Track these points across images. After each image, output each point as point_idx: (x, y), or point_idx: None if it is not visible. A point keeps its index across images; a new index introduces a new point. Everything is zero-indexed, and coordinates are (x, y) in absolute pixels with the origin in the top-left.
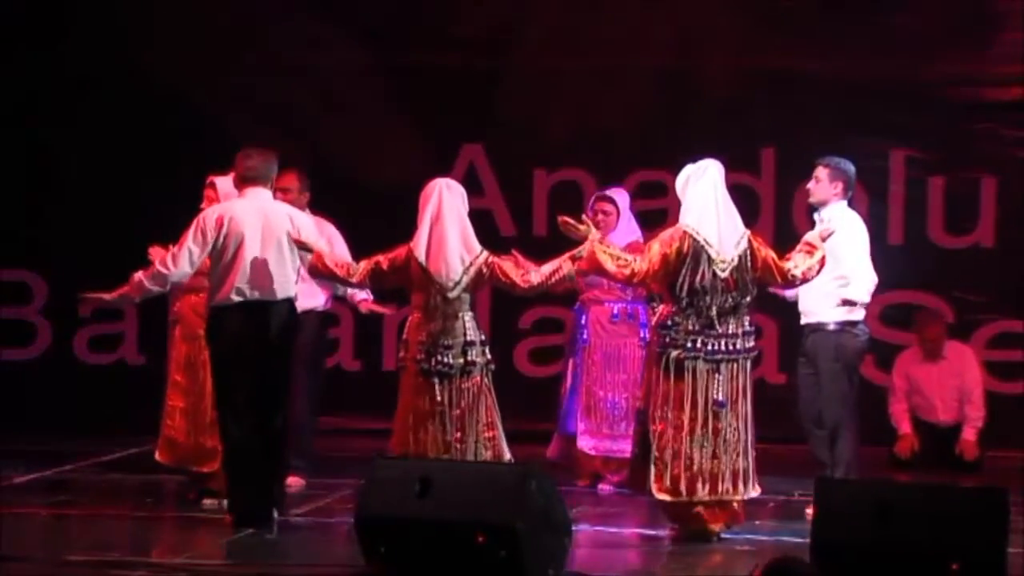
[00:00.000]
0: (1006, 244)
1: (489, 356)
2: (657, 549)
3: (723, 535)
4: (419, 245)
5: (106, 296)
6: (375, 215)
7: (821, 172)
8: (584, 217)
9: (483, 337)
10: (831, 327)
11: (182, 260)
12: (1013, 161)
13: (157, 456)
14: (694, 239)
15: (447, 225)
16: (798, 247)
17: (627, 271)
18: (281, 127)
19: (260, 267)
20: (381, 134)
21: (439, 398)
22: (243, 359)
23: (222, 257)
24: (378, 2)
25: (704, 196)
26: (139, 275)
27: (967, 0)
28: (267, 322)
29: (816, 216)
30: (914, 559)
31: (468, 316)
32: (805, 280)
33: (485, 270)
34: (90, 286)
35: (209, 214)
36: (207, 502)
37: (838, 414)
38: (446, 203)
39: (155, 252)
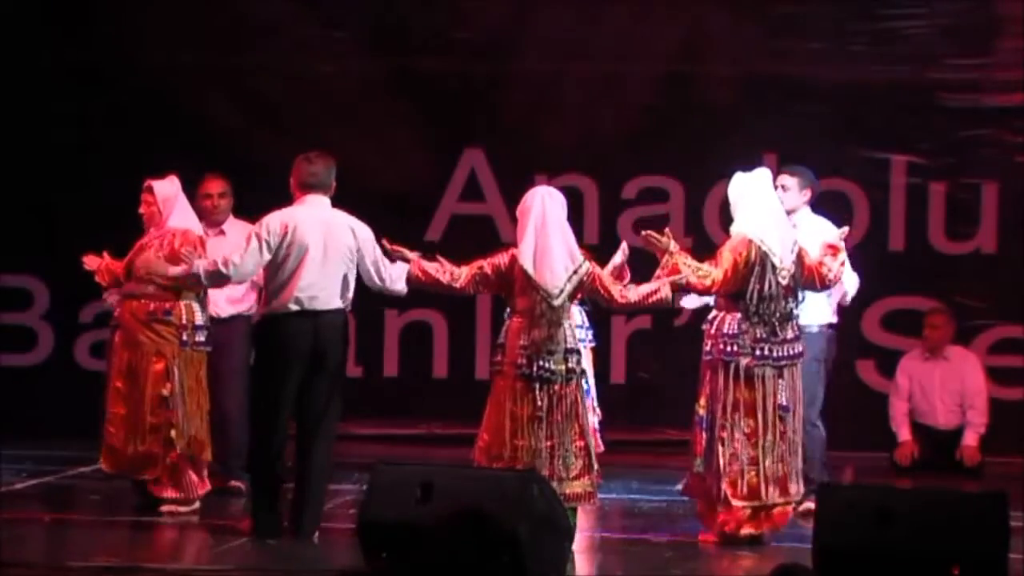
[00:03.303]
0: (1007, 250)
1: (583, 366)
2: (658, 554)
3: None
4: (524, 253)
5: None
6: (376, 218)
7: (789, 180)
8: (666, 230)
9: (579, 346)
10: (815, 329)
11: (246, 266)
12: (1014, 167)
13: (101, 464)
14: (760, 248)
15: (551, 233)
16: (821, 251)
17: (707, 281)
18: (283, 131)
19: (321, 277)
20: (382, 138)
21: (540, 403)
22: (295, 367)
23: (283, 265)
24: (380, 6)
25: (762, 205)
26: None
27: (968, 7)
28: (323, 331)
29: None
30: (915, 564)
31: (568, 323)
32: (835, 282)
33: (587, 279)
34: (92, 291)
35: (272, 220)
36: (167, 508)
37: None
38: (549, 211)
39: (90, 260)
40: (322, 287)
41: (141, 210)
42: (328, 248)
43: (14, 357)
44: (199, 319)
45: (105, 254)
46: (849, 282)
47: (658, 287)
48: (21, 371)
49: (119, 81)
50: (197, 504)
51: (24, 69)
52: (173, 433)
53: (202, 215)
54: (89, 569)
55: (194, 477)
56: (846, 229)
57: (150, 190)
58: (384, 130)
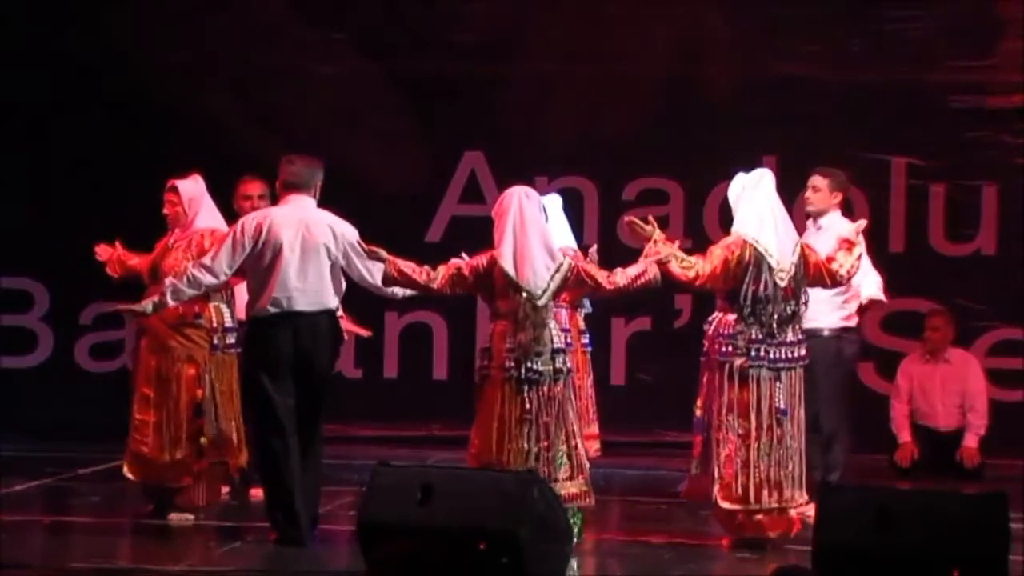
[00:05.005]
0: (1007, 251)
1: (570, 364)
2: (657, 555)
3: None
4: (504, 254)
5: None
6: (377, 221)
7: (820, 182)
8: (649, 218)
9: (565, 345)
10: (826, 333)
11: (218, 266)
12: (1014, 169)
13: (126, 472)
14: (755, 248)
15: (530, 234)
16: (836, 246)
17: (691, 273)
18: (284, 134)
19: (298, 277)
20: (383, 140)
21: (529, 406)
22: (281, 371)
23: (259, 265)
24: (380, 9)
25: (761, 205)
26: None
27: (968, 9)
28: (305, 333)
29: (811, 224)
30: (916, 565)
31: (553, 323)
32: (850, 278)
33: (570, 275)
34: (92, 294)
35: (248, 220)
36: (175, 516)
37: (836, 419)
38: (527, 211)
39: (102, 250)
40: (300, 288)
41: (165, 211)
42: (304, 246)
43: (14, 359)
44: (228, 321)
45: (117, 244)
46: (869, 281)
47: (645, 268)
48: (21, 372)
49: (120, 82)
50: (202, 514)
51: (25, 69)
52: (203, 441)
53: (240, 216)
54: (89, 571)
55: (205, 487)
56: (862, 223)
57: (174, 190)
58: (384, 132)
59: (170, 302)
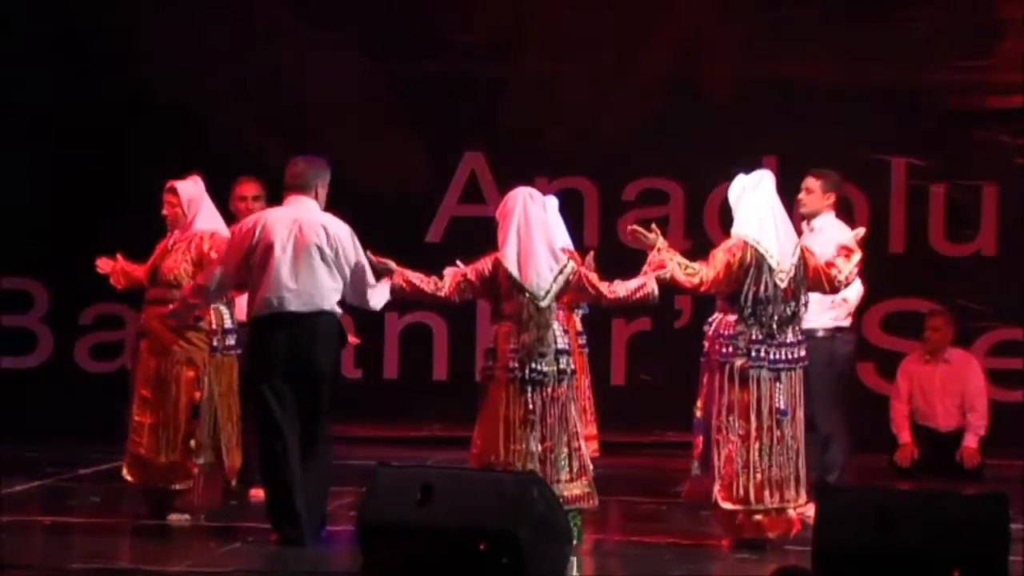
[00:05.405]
0: (1008, 252)
1: (574, 366)
2: (657, 556)
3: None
4: (508, 256)
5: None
6: (377, 221)
7: (813, 183)
8: (653, 226)
9: (568, 346)
10: (820, 334)
11: (219, 271)
12: (1014, 169)
13: (125, 474)
14: (756, 249)
15: (534, 235)
16: (835, 252)
17: (695, 279)
18: (284, 134)
19: (290, 277)
20: (383, 141)
21: (532, 407)
22: (279, 373)
23: (253, 266)
24: (380, 9)
25: (761, 207)
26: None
27: (968, 9)
28: (302, 335)
29: (805, 225)
30: (916, 565)
31: (556, 324)
32: (848, 284)
33: (572, 278)
34: (92, 294)
35: (245, 223)
36: (174, 517)
37: (832, 419)
38: (531, 213)
39: (103, 263)
40: (293, 288)
41: (164, 212)
42: (296, 247)
43: (14, 359)
44: (228, 323)
45: (119, 256)
46: (851, 290)
47: (644, 282)
48: (21, 373)
49: (121, 82)
50: (202, 516)
51: (25, 69)
52: (193, 443)
53: (236, 217)
54: (89, 571)
55: (204, 488)
56: (861, 230)
57: (173, 191)
58: (384, 132)
59: (183, 316)
